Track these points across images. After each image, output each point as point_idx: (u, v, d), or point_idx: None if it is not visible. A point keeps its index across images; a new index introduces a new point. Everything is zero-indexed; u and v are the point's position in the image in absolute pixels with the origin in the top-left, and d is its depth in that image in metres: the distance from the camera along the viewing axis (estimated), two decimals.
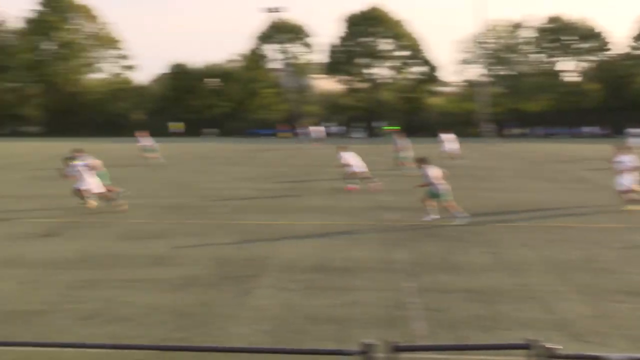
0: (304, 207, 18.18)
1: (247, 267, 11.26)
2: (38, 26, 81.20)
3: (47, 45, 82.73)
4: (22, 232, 14.47)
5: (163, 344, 7.55)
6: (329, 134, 63.10)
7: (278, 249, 12.61)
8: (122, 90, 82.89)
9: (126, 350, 6.59)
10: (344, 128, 74.22)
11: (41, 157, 37.58)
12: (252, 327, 8.21)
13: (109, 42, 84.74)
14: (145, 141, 35.01)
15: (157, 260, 11.86)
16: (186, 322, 8.39)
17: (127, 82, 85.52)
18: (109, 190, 18.28)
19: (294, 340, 7.69)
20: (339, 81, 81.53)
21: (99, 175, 18.58)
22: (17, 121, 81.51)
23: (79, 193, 17.72)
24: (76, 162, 18.14)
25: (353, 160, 22.48)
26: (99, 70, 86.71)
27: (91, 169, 18.28)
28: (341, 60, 79.48)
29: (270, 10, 79.31)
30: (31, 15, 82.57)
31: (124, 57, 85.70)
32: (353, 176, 22.15)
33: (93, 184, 17.83)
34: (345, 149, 23.08)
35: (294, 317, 8.61)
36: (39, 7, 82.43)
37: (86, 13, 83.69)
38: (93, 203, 17.78)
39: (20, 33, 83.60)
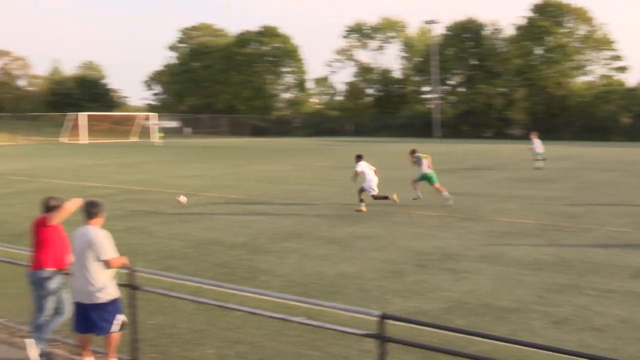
0: None
1: None
2: (529, 32, 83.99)
3: (537, 50, 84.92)
4: (501, 231, 15.14)
5: None
6: None
7: None
8: (611, 93, 79.67)
9: None
10: None
11: (521, 158, 38.68)
12: None
13: (603, 43, 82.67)
14: (535, 144, 33.01)
15: (636, 272, 11.08)
16: None
17: (618, 84, 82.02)
18: (437, 190, 19.69)
19: None
20: None
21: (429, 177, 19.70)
22: (503, 124, 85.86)
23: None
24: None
25: None
26: (589, 72, 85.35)
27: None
28: None
29: None
30: (522, 22, 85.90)
31: (616, 58, 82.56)
32: None
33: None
34: None
35: None
36: (530, 14, 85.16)
37: (581, 15, 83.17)
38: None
39: (512, 40, 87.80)
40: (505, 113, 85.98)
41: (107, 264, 6.79)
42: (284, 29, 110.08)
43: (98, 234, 6.81)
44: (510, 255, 12.53)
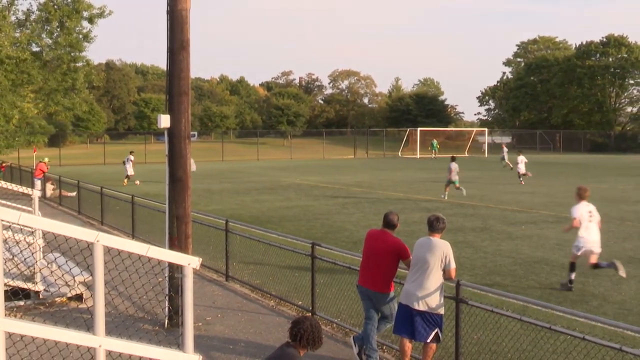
0: None
1: None
2: None
3: None
4: None
5: None
6: None
7: None
8: None
9: None
10: None
11: None
12: None
13: None
14: None
15: None
16: None
17: None
18: None
19: None
20: None
21: None
22: None
23: None
24: None
25: None
26: None
27: None
28: None
29: None
30: None
31: None
32: None
33: None
34: None
35: None
36: None
37: None
38: None
39: None
40: None
41: (446, 274, 7.11)
42: (632, 37, 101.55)
43: (446, 244, 7.19)
44: None
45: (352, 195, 27.62)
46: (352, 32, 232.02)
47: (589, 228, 11.52)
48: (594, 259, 11.48)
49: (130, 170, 34.33)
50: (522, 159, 34.34)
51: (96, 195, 20.05)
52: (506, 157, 50.10)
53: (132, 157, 34.85)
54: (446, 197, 25.95)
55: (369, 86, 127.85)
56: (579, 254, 11.56)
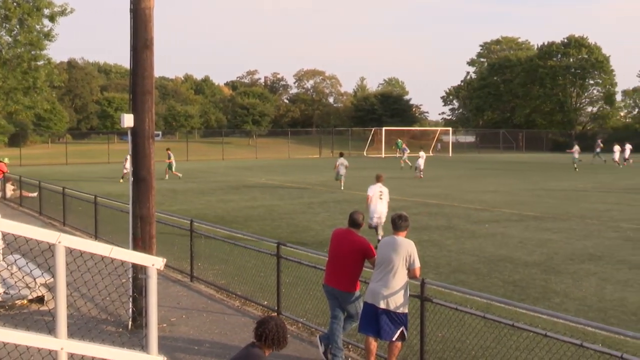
0: None
1: None
2: None
3: None
4: None
5: None
6: None
7: None
8: None
9: None
10: None
11: None
12: None
13: None
14: None
15: None
16: None
17: None
18: None
19: None
20: None
21: None
22: None
23: None
24: None
25: None
26: None
27: None
28: None
29: None
30: None
31: None
32: None
33: None
34: None
35: None
36: None
37: None
38: None
39: None
40: None
41: (410, 273, 7.14)
42: (592, 38, 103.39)
43: (410, 243, 7.21)
44: None
45: (318, 194, 27.65)
46: (318, 32, 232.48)
47: (378, 203, 15.56)
48: (380, 229, 15.43)
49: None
50: (422, 155, 39.18)
51: (58, 195, 19.73)
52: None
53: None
54: (342, 188, 29.79)
55: (334, 86, 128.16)
56: (373, 223, 15.39)
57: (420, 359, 7.26)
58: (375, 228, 15.58)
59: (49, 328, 4.54)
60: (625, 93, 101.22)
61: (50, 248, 4.29)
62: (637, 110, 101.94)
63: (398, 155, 68.22)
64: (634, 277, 12.03)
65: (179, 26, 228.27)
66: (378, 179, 16.21)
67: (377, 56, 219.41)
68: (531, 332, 6.42)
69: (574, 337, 6.34)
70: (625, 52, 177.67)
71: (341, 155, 31.92)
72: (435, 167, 49.83)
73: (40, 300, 10.31)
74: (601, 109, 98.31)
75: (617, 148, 50.97)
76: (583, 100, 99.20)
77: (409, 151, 54.02)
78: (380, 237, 14.79)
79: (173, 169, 36.94)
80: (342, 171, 30.54)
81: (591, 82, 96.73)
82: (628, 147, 52.08)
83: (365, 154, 75.15)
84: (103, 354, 4.54)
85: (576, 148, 46.13)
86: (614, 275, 12.17)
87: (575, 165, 44.92)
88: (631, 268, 12.80)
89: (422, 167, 37.95)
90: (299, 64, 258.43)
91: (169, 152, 37.26)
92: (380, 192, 15.72)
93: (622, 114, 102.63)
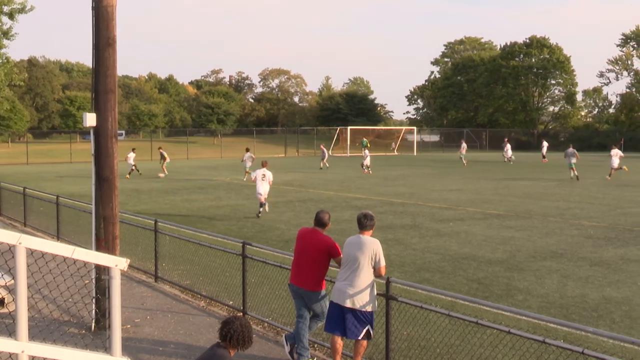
0: None
1: None
2: None
3: None
4: None
5: None
6: None
7: None
8: None
9: None
10: None
11: None
12: None
13: None
14: None
15: None
16: None
17: None
18: None
19: None
20: None
21: None
22: None
23: None
24: None
25: None
26: None
27: None
28: None
29: None
30: None
31: None
32: None
33: None
34: None
35: None
36: None
37: None
38: None
39: None
40: None
41: (376, 271, 7.16)
42: (554, 39, 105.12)
43: (375, 242, 7.22)
44: None
45: (283, 194, 27.59)
46: (283, 31, 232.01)
47: (262, 184, 20.24)
48: (262, 199, 20.23)
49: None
50: (366, 153, 42.97)
51: (19, 195, 19.35)
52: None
53: (132, 154, 39.01)
54: (245, 179, 33.73)
55: (299, 85, 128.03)
56: (260, 197, 20.20)
57: (385, 357, 7.29)
58: (261, 204, 20.30)
59: (9, 331, 4.45)
60: (585, 93, 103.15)
61: (11, 249, 4.21)
62: (597, 110, 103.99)
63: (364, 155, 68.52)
64: (594, 274, 12.26)
65: (143, 24, 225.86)
66: (263, 165, 20.93)
67: (342, 55, 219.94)
68: (495, 329, 6.49)
69: (536, 334, 6.44)
70: (585, 52, 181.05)
71: (247, 150, 35.56)
72: (400, 166, 50.15)
73: (0, 302, 10.10)
74: (562, 108, 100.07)
75: (571, 150, 52.01)
76: (545, 100, 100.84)
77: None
78: (260, 211, 20.21)
79: (164, 165, 39.75)
80: (249, 164, 34.41)
81: (553, 82, 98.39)
82: (545, 144, 59.16)
83: (330, 153, 75.30)
84: (65, 356, 4.47)
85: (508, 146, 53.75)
86: (575, 272, 12.39)
87: (509, 161, 51.38)
88: (592, 265, 13.04)
89: (368, 163, 41.98)
90: (264, 63, 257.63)
91: (161, 150, 40.56)
92: (264, 174, 20.35)
93: (582, 113, 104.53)
